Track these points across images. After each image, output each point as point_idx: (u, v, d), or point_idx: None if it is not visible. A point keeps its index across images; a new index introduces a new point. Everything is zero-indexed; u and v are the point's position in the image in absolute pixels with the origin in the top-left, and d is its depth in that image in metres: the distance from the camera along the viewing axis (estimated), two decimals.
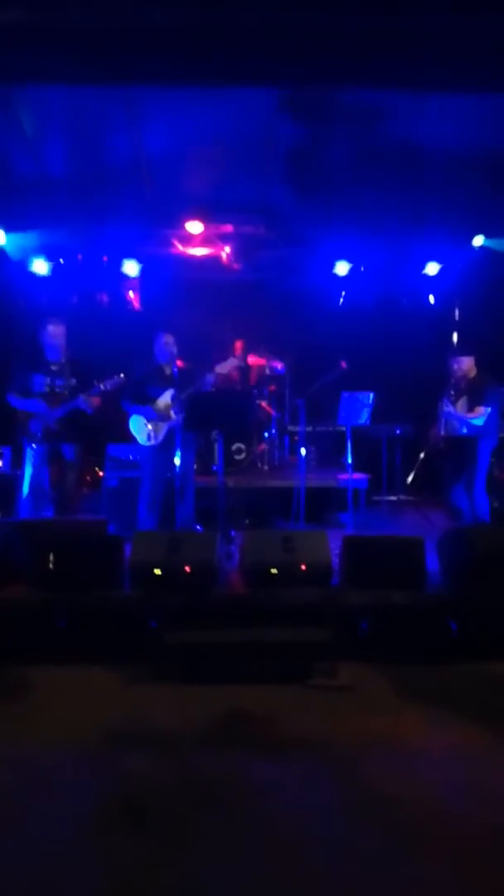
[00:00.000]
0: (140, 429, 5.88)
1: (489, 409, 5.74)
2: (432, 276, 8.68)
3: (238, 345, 8.50)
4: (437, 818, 2.46)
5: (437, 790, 2.64)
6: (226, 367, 6.06)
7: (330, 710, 3.33)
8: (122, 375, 5.68)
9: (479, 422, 5.74)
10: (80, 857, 2.26)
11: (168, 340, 5.98)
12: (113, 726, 3.14)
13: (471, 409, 5.80)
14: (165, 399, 5.85)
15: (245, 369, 8.38)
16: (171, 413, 5.79)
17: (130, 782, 2.70)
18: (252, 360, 8.44)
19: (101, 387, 5.61)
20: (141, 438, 5.89)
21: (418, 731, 3.12)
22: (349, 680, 3.61)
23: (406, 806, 2.53)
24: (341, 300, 8.95)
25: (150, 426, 5.85)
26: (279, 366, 8.47)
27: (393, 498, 7.57)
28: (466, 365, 5.97)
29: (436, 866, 2.20)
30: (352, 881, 2.15)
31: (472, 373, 5.97)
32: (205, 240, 8.19)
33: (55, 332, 5.80)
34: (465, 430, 5.84)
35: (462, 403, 5.87)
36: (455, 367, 6.01)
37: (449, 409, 5.87)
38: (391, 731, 3.11)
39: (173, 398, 5.78)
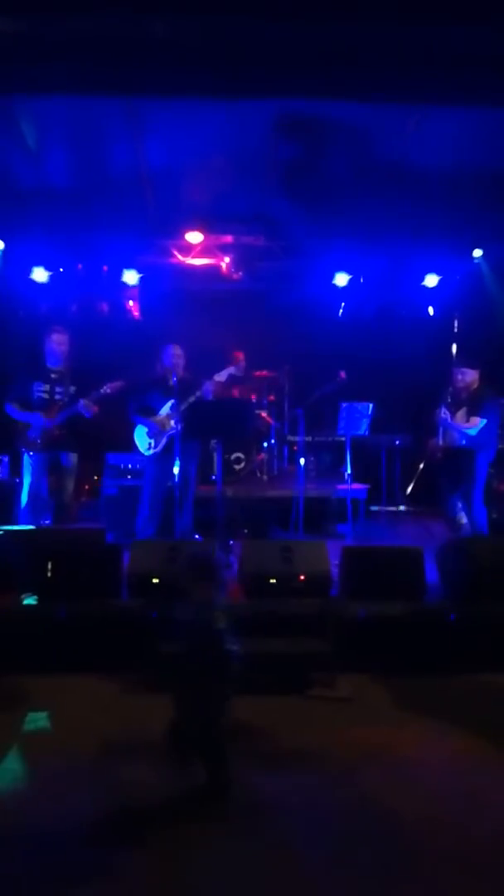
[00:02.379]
0: (142, 438, 5.90)
1: (484, 421, 5.73)
2: (431, 288, 8.71)
3: (238, 355, 8.50)
4: (436, 830, 2.44)
5: (436, 802, 2.63)
6: (223, 376, 6.04)
7: (329, 721, 3.31)
8: (120, 382, 5.69)
9: (472, 432, 5.73)
10: (77, 868, 2.24)
11: (177, 352, 5.98)
12: (110, 736, 3.12)
13: (469, 419, 5.80)
14: (167, 409, 5.85)
15: (244, 379, 8.38)
16: (170, 422, 5.80)
17: (128, 793, 2.68)
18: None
19: (104, 390, 5.61)
20: (142, 447, 5.89)
21: (418, 742, 3.11)
22: (349, 691, 3.59)
23: (405, 818, 2.51)
24: (341, 311, 8.98)
25: (151, 436, 5.85)
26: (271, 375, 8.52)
27: (392, 508, 7.57)
28: (470, 377, 5.96)
29: (435, 877, 2.19)
30: (351, 893, 2.13)
31: (475, 385, 5.97)
32: (205, 250, 8.22)
33: (60, 339, 5.81)
34: (463, 442, 5.84)
35: (461, 414, 5.87)
36: (458, 377, 6.01)
37: (445, 415, 5.87)
38: (391, 742, 3.09)
39: (173, 408, 5.79)
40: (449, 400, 5.98)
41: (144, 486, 5.97)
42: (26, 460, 5.70)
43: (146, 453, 5.89)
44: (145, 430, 5.87)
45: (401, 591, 4.21)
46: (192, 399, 5.72)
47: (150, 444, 5.85)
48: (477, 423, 5.72)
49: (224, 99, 5.31)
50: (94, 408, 5.62)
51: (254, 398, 8.26)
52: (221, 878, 2.18)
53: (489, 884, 2.18)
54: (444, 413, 5.88)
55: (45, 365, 5.79)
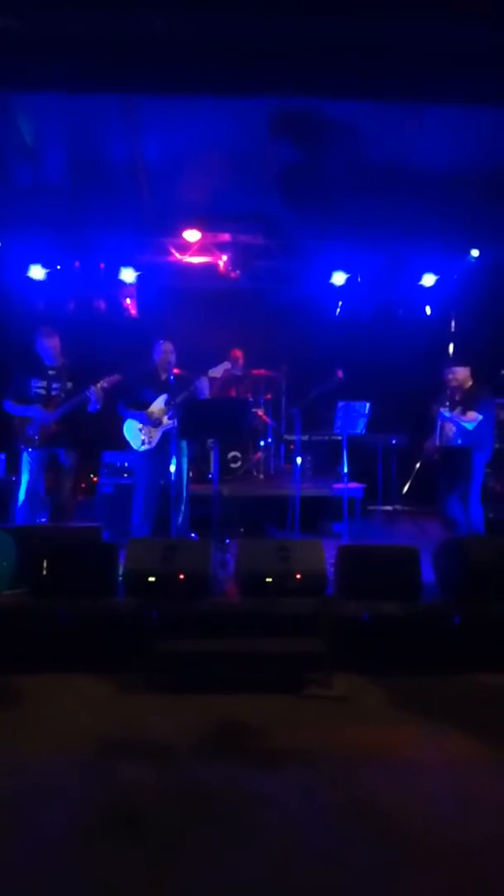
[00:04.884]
0: (134, 434, 5.87)
1: (481, 416, 5.74)
2: (429, 287, 8.72)
3: (237, 353, 8.50)
4: (431, 829, 2.44)
5: (431, 802, 2.63)
6: (219, 371, 6.05)
7: (324, 721, 3.31)
8: (117, 376, 5.68)
9: (470, 426, 5.73)
10: (73, 868, 2.23)
11: (167, 348, 6.00)
12: (106, 735, 3.12)
13: (465, 415, 5.81)
14: (159, 404, 5.85)
15: (241, 378, 8.38)
16: (165, 418, 5.79)
17: (124, 792, 2.68)
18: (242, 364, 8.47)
19: (101, 384, 5.59)
20: (135, 443, 5.87)
21: (413, 742, 3.11)
22: (344, 691, 3.59)
23: (400, 817, 2.51)
24: (338, 310, 8.98)
25: (143, 431, 5.84)
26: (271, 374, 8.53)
27: (388, 507, 7.57)
28: (461, 375, 5.99)
29: (429, 878, 2.19)
30: (346, 893, 2.13)
31: (468, 383, 5.99)
32: (202, 248, 8.22)
33: (50, 339, 5.80)
34: (459, 441, 5.84)
35: (457, 413, 5.88)
36: (450, 377, 6.03)
37: (443, 411, 5.88)
38: (386, 742, 3.09)
39: (167, 403, 5.79)
40: (447, 403, 5.98)
41: (137, 484, 5.95)
42: (25, 458, 5.69)
43: (139, 449, 5.87)
44: (137, 424, 5.85)
45: (396, 591, 4.21)
46: (183, 395, 5.72)
47: (143, 439, 5.83)
48: (474, 418, 5.73)
49: (222, 96, 5.30)
50: (101, 397, 5.59)
51: (250, 396, 8.26)
52: (217, 877, 2.18)
53: (484, 883, 2.18)
54: (442, 410, 5.90)
55: (43, 363, 5.79)
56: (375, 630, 4.00)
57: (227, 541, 5.35)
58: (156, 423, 5.82)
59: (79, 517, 6.41)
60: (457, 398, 5.96)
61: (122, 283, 8.47)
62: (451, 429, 5.93)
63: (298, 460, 6.51)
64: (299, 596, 4.18)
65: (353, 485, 6.81)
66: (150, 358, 6.07)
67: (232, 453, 7.78)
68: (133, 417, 5.86)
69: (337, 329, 8.80)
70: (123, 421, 5.93)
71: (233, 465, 7.78)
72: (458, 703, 3.55)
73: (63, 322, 6.21)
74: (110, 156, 6.76)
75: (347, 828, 2.47)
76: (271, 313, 8.71)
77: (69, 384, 5.72)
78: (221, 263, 8.34)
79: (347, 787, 2.73)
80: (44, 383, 5.69)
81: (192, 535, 5.88)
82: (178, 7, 4.25)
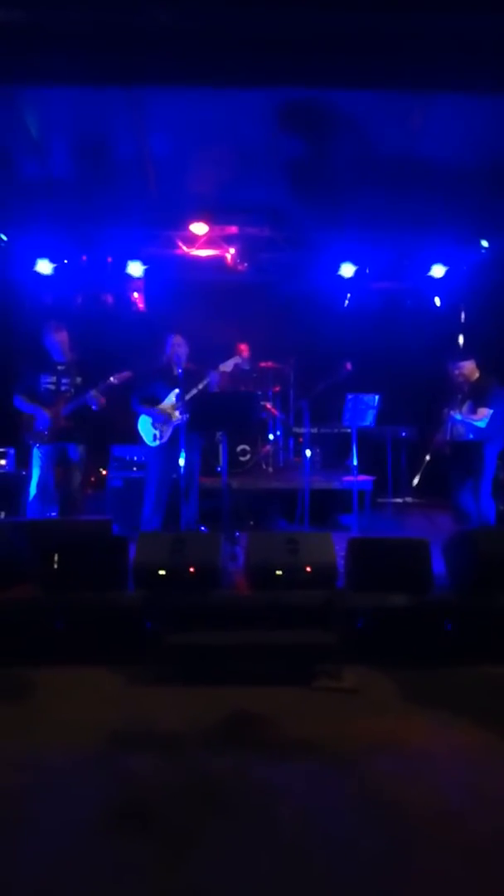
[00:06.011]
0: (147, 429, 5.88)
1: (492, 411, 5.70)
2: (438, 279, 8.66)
3: (242, 347, 8.49)
4: (440, 820, 2.44)
5: (441, 792, 2.63)
6: (228, 366, 6.04)
7: (334, 712, 3.31)
8: (128, 373, 5.68)
9: (482, 423, 5.70)
10: (83, 859, 2.24)
11: (178, 342, 5.98)
12: (116, 728, 3.13)
13: (474, 411, 5.77)
14: (171, 399, 5.84)
15: (250, 371, 8.37)
16: (176, 413, 5.79)
17: (134, 785, 2.69)
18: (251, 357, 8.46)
19: (112, 380, 5.60)
20: (147, 438, 5.88)
21: (423, 733, 3.10)
22: (354, 683, 3.59)
23: (410, 808, 2.51)
24: (346, 302, 8.94)
25: (156, 426, 5.84)
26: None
27: (398, 500, 7.55)
28: (467, 369, 5.95)
29: (439, 867, 2.19)
30: (356, 883, 2.13)
31: (474, 375, 5.94)
32: (209, 241, 8.20)
33: (58, 334, 5.81)
34: (471, 436, 5.81)
35: (467, 407, 5.85)
36: (455, 371, 5.98)
37: (454, 413, 5.85)
38: (396, 733, 3.09)
39: (178, 398, 5.79)
40: (459, 397, 5.94)
41: (150, 478, 5.96)
42: (35, 453, 5.71)
43: (152, 444, 5.88)
44: (150, 420, 5.86)
45: (407, 583, 4.20)
46: (195, 390, 5.71)
47: (155, 434, 5.84)
48: (486, 414, 5.69)
49: (228, 88, 5.26)
50: (101, 399, 5.61)
51: (258, 390, 8.26)
52: (228, 868, 2.18)
53: (493, 873, 2.17)
54: (452, 412, 5.87)
55: (51, 358, 5.80)
56: (386, 622, 3.99)
57: (237, 534, 5.35)
58: (169, 417, 5.82)
59: (89, 511, 6.43)
60: (465, 391, 5.92)
61: (130, 276, 8.46)
62: (461, 426, 5.90)
63: (308, 453, 6.51)
64: (309, 588, 4.18)
65: (362, 477, 6.79)
66: (161, 352, 6.05)
67: (241, 446, 7.78)
68: (147, 413, 5.87)
69: (345, 321, 8.77)
70: (137, 416, 5.93)
71: (242, 459, 7.78)
72: (467, 695, 3.54)
73: (71, 316, 6.22)
74: (117, 149, 6.74)
75: (357, 818, 2.47)
76: (279, 305, 8.69)
77: (78, 379, 5.74)
78: (229, 256, 8.32)
79: (357, 777, 2.73)
80: (53, 379, 5.71)
81: (202, 528, 5.89)
82: None
